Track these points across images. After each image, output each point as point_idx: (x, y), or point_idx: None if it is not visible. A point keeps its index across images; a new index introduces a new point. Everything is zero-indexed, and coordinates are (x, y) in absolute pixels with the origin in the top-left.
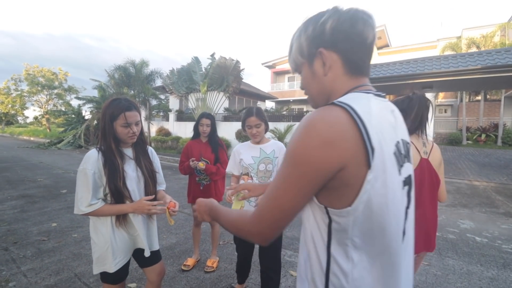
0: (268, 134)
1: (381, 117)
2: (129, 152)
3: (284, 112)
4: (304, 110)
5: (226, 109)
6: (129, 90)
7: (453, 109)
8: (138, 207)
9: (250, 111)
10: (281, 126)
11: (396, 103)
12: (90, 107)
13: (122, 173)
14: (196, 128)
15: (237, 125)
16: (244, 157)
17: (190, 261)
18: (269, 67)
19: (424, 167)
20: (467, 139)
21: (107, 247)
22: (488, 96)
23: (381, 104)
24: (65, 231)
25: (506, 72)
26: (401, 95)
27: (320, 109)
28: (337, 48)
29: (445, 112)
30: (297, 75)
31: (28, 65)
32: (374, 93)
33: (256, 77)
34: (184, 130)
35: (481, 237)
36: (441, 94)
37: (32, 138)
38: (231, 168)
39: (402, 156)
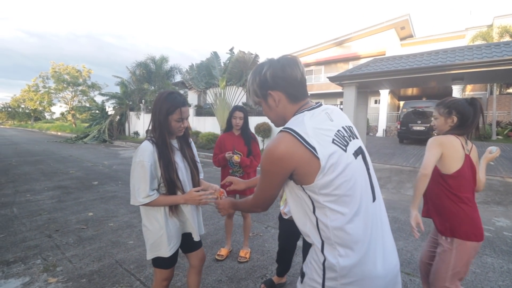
0: None
1: (315, 123)
2: (175, 143)
3: None
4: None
5: (244, 104)
6: (149, 85)
7: (482, 102)
8: (190, 198)
9: None
10: None
11: (454, 104)
12: (113, 103)
13: (174, 164)
14: (229, 121)
15: (256, 120)
16: None
17: (223, 251)
18: None
19: (468, 162)
20: (497, 134)
21: (162, 233)
22: None
23: (315, 113)
24: (102, 220)
25: None
26: (429, 87)
27: (274, 137)
28: (278, 88)
29: None
30: (315, 68)
31: (54, 63)
32: (308, 109)
33: None
34: (203, 125)
35: None
36: (468, 87)
37: (59, 133)
38: None
39: (345, 138)
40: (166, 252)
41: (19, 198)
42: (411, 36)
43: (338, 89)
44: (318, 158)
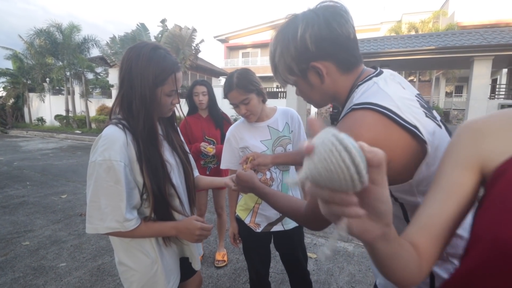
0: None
1: (398, 93)
2: (158, 129)
3: None
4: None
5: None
6: (56, 60)
7: None
8: (185, 228)
9: (229, 83)
10: None
11: None
12: (3, 82)
13: (166, 167)
14: (191, 101)
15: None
16: (249, 143)
17: None
18: (222, 41)
19: None
20: None
21: (155, 270)
22: (420, 77)
23: (387, 80)
24: (10, 239)
25: (456, 53)
26: None
27: (347, 120)
28: (326, 56)
29: None
30: (251, 51)
31: None
32: (374, 75)
33: (208, 52)
34: None
35: None
36: None
37: None
38: (228, 162)
39: (429, 110)
40: None
41: None
42: None
43: None
44: (422, 142)
